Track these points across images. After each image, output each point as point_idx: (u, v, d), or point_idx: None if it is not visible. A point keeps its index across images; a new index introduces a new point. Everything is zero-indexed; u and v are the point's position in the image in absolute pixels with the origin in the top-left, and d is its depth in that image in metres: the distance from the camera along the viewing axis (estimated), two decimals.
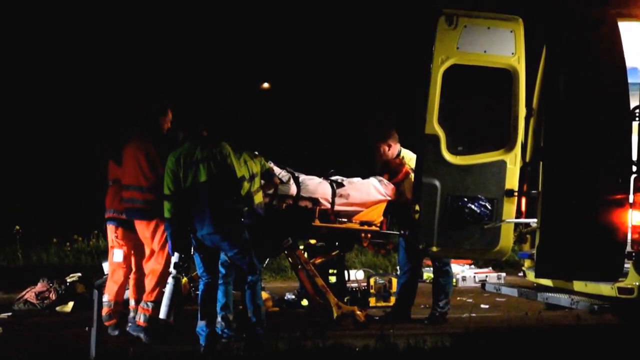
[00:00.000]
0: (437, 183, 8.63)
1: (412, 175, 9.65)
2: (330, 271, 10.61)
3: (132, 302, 9.40)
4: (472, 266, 13.45)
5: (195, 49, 29.17)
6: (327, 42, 29.78)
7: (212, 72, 29.55)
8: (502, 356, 7.98)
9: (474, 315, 10.18)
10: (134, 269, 9.47)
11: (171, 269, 8.55)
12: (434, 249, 8.76)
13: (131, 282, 9.49)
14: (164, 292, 8.62)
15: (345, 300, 10.19)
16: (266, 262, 9.47)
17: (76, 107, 26.54)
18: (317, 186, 9.79)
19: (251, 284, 8.64)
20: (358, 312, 9.69)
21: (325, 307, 9.74)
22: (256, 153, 9.44)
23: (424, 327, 9.63)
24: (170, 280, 8.53)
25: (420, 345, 8.28)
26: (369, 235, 9.89)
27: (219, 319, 8.78)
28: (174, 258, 8.52)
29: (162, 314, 8.54)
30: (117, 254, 9.40)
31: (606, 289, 7.91)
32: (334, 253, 10.25)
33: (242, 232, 8.63)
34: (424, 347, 8.28)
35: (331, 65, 29.73)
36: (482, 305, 11.21)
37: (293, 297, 11.15)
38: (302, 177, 9.83)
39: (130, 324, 9.23)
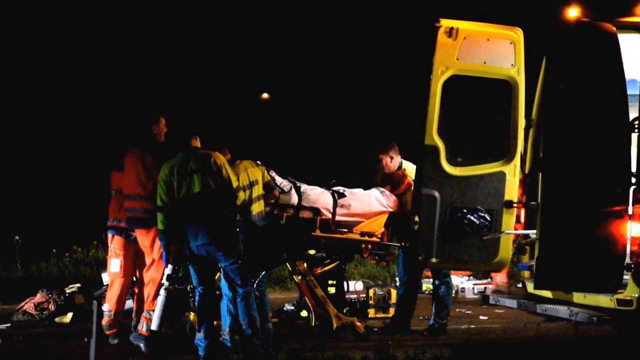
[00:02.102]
0: (437, 194, 8.64)
1: None
2: (330, 282, 10.59)
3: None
4: (471, 277, 13.44)
5: (192, 59, 29.19)
6: (327, 52, 29.80)
7: (210, 81, 29.57)
8: None
9: (473, 326, 10.18)
10: (136, 278, 9.49)
11: (163, 280, 8.55)
12: (434, 260, 8.76)
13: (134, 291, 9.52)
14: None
15: (345, 311, 10.18)
16: (261, 275, 9.43)
17: (76, 118, 26.57)
18: (318, 196, 9.79)
19: (244, 296, 8.61)
20: (358, 324, 9.68)
21: (325, 318, 9.73)
22: (258, 162, 9.44)
23: (423, 339, 9.62)
24: (162, 291, 8.52)
25: (420, 356, 8.28)
26: (370, 246, 9.88)
27: (227, 329, 8.75)
28: (167, 270, 8.51)
29: (153, 325, 8.53)
30: (113, 264, 9.42)
31: (605, 300, 7.91)
32: (334, 264, 10.24)
33: (238, 243, 8.62)
34: (423, 358, 8.27)
35: (331, 74, 29.75)
36: (481, 317, 11.20)
37: (292, 307, 11.14)
38: (304, 187, 9.83)
39: (132, 333, 9.24)
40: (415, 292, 10.30)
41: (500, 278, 12.38)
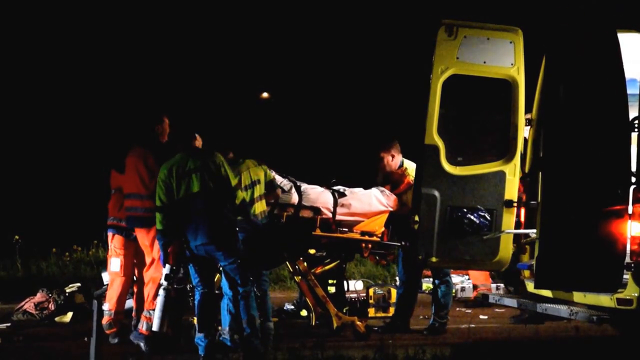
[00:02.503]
0: (437, 193, 8.64)
1: None
2: (330, 281, 10.59)
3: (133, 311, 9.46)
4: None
5: (193, 58, 29.19)
6: (329, 51, 29.82)
7: (211, 81, 29.58)
8: None
9: (473, 325, 10.18)
10: (135, 277, 9.50)
11: (162, 281, 8.56)
12: (434, 259, 8.76)
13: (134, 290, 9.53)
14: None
15: (345, 310, 10.18)
16: (264, 274, 9.44)
17: (76, 118, 26.59)
18: (318, 195, 9.80)
19: (244, 295, 8.62)
20: (358, 323, 9.69)
21: (326, 317, 9.74)
22: (260, 162, 9.45)
23: (423, 338, 9.62)
24: (161, 292, 8.53)
25: (420, 356, 8.28)
26: (370, 246, 9.89)
27: (227, 328, 8.75)
28: (165, 270, 8.52)
29: (154, 326, 8.53)
30: (114, 263, 9.43)
31: (605, 299, 7.91)
32: (334, 263, 10.24)
33: (237, 242, 8.63)
34: (423, 357, 8.27)
35: (332, 74, 29.76)
36: (481, 316, 11.20)
37: (292, 307, 11.14)
38: (304, 186, 9.84)
39: (132, 332, 9.25)
40: (416, 291, 10.30)
41: (483, 285, 12.37)
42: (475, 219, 8.62)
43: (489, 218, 8.63)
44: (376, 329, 10.02)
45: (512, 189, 8.67)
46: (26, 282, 13.29)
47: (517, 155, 8.67)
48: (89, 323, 8.29)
